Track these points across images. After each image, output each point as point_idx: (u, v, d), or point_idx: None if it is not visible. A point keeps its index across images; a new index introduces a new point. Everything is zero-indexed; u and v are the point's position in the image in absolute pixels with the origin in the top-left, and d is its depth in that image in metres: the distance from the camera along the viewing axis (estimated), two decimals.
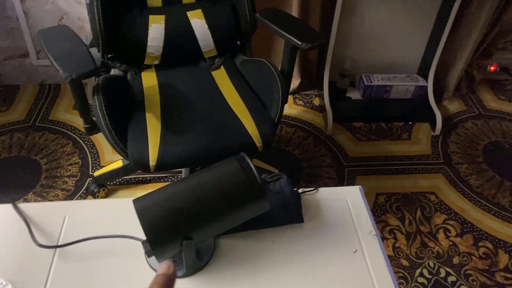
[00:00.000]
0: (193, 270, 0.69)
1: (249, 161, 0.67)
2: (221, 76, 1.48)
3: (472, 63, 2.22)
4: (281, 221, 0.75)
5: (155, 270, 0.69)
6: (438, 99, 2.21)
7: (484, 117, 2.15)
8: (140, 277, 0.68)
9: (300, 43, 1.26)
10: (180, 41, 1.46)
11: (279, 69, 1.37)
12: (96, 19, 1.30)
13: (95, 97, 1.20)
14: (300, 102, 2.20)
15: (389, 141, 2.00)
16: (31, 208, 0.78)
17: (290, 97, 2.22)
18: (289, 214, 0.75)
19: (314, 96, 2.24)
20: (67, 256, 0.71)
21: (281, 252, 0.72)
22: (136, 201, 0.64)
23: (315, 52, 2.16)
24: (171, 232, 0.62)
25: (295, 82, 2.20)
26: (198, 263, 0.69)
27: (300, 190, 0.81)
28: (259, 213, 0.68)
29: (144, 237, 0.62)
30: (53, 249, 0.71)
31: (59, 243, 0.72)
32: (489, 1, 1.89)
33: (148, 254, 0.63)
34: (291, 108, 2.15)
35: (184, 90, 1.42)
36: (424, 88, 2.11)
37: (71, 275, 0.68)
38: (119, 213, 0.77)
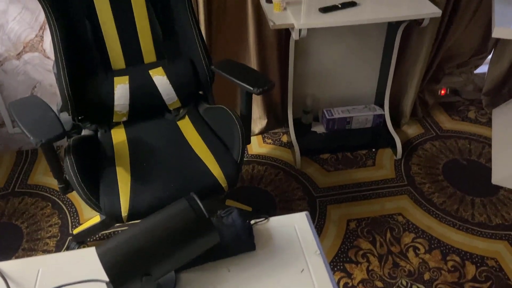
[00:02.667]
0: None
1: (197, 199, 0.76)
2: (186, 125, 1.59)
3: (424, 89, 2.39)
4: (235, 251, 0.83)
5: None
6: (397, 125, 2.36)
7: (441, 137, 2.29)
8: None
9: (252, 88, 1.39)
10: (144, 97, 1.57)
11: (239, 113, 1.49)
12: (64, 86, 1.42)
13: (66, 157, 1.29)
14: (269, 141, 2.31)
15: (355, 169, 2.11)
16: (7, 265, 0.85)
17: (259, 137, 2.34)
18: (241, 243, 0.83)
19: (281, 134, 2.36)
20: None
21: (236, 279, 0.79)
22: (98, 247, 0.72)
23: (278, 93, 2.31)
24: (130, 271, 0.70)
25: (262, 122, 2.33)
26: None
27: (252, 221, 0.90)
28: (210, 245, 0.76)
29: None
30: None
31: None
32: (428, 32, 2.08)
33: None
34: (261, 147, 2.26)
35: (151, 142, 1.52)
36: (382, 116, 2.26)
37: None
38: (88, 261, 0.84)
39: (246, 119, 1.53)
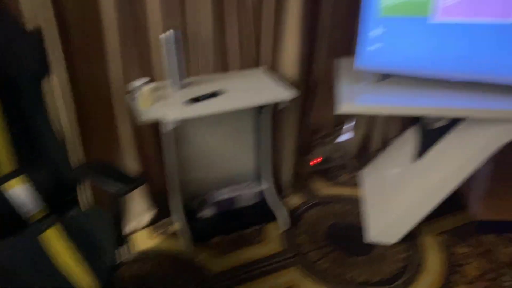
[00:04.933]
0: None
1: None
2: (51, 236, 1.47)
3: (299, 160, 2.58)
4: None
5: None
6: (281, 198, 2.47)
7: (320, 204, 2.44)
8: None
9: (116, 189, 1.36)
10: None
11: (111, 214, 1.44)
12: None
13: None
14: (158, 232, 2.24)
15: (245, 248, 2.12)
16: None
17: (147, 230, 2.26)
18: None
19: (170, 224, 2.31)
20: None
21: None
22: None
23: (162, 182, 2.29)
24: None
25: (149, 214, 2.26)
26: None
27: None
28: None
29: None
30: None
31: None
32: (293, 111, 2.30)
33: None
34: (149, 241, 2.17)
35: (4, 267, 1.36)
36: (265, 192, 2.35)
37: None
38: None
39: (118, 220, 1.47)
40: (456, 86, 1.89)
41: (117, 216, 1.47)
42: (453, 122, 2.00)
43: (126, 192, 1.35)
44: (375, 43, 1.99)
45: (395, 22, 1.91)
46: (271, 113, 2.20)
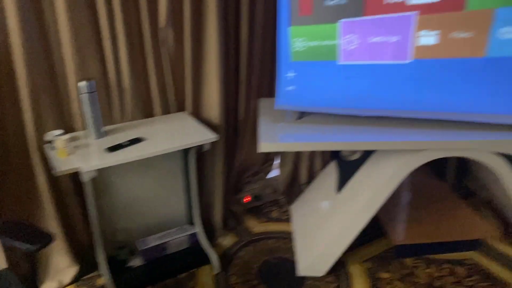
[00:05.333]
0: None
1: None
2: None
3: (230, 200, 2.60)
4: None
5: None
6: (214, 240, 2.46)
7: (253, 242, 2.46)
8: None
9: (27, 247, 1.29)
10: None
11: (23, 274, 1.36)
12: None
13: None
14: None
15: None
16: None
17: (72, 287, 2.13)
18: None
19: (97, 278, 2.20)
20: None
21: None
22: None
23: (86, 234, 2.20)
24: None
25: (72, 270, 2.14)
26: None
27: None
28: None
29: None
30: None
31: None
32: (218, 152, 2.34)
33: None
34: None
35: None
36: (196, 235, 2.33)
37: None
38: None
39: (33, 279, 1.39)
40: (366, 121, 2.04)
41: (32, 276, 1.39)
42: (367, 154, 2.15)
43: (35, 251, 1.29)
44: (291, 84, 2.11)
45: (306, 66, 2.05)
46: (195, 156, 2.22)
